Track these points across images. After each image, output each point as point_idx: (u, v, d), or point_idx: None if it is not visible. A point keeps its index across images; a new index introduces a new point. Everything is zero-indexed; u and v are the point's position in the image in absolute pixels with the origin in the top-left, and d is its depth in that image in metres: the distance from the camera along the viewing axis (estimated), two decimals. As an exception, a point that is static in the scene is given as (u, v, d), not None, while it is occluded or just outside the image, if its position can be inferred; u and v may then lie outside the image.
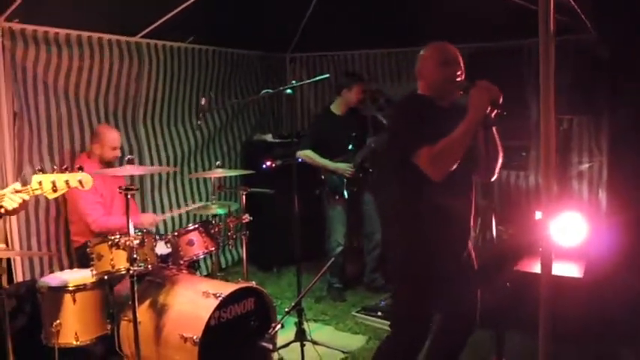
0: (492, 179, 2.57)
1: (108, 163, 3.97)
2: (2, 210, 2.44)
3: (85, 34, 4.12)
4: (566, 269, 3.84)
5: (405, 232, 2.63)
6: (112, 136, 4.00)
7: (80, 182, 2.56)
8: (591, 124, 4.72)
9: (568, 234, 4.10)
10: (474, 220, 2.71)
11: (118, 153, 4.02)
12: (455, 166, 2.40)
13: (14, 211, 2.48)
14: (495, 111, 2.37)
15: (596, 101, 4.25)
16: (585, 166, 4.77)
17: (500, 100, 2.36)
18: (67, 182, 2.53)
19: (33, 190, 2.49)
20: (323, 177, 4.72)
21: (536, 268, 3.58)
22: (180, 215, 5.13)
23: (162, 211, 4.96)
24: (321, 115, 4.99)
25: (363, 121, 4.85)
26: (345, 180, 4.63)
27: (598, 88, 4.18)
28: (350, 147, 4.66)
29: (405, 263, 2.63)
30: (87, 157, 3.98)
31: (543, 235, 2.34)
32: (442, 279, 2.53)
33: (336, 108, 4.78)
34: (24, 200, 2.46)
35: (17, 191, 2.45)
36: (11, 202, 2.41)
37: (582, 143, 4.80)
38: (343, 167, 4.61)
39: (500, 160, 2.60)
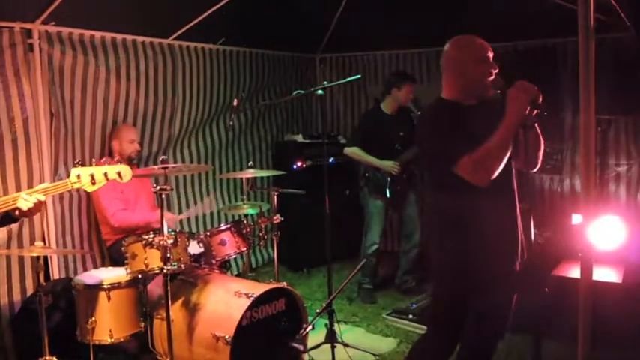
0: (535, 170, 2.49)
1: (129, 159, 4.02)
2: (17, 212, 2.41)
3: (119, 36, 4.18)
4: (605, 274, 3.74)
5: (446, 233, 2.58)
6: (128, 130, 4.09)
7: (119, 174, 2.56)
8: (629, 125, 4.61)
9: (606, 238, 3.99)
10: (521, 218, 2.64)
11: (136, 146, 4.08)
12: (501, 168, 2.35)
13: (30, 212, 2.42)
14: (536, 111, 2.31)
15: (635, 102, 4.14)
16: (623, 168, 4.65)
17: (540, 100, 2.31)
18: (105, 174, 2.54)
19: (72, 184, 2.50)
20: (367, 174, 4.70)
21: (574, 272, 3.53)
22: (212, 214, 5.19)
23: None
24: (371, 112, 4.94)
25: (412, 122, 4.82)
26: (389, 179, 4.60)
27: (637, 88, 4.07)
28: (397, 147, 4.63)
29: (444, 264, 2.60)
30: (111, 160, 4.03)
31: (582, 240, 2.28)
32: (481, 282, 2.48)
33: (386, 106, 4.73)
34: (39, 201, 2.42)
35: (45, 190, 2.43)
36: (26, 202, 2.38)
37: (619, 145, 4.69)
38: (390, 165, 4.57)
39: (542, 150, 2.52)
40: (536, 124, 2.42)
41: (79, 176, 2.51)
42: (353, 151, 4.69)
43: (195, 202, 5.09)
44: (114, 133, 4.11)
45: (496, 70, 2.49)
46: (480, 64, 2.47)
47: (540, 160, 2.54)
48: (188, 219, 4.95)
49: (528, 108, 2.31)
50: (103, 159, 4.09)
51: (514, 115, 2.31)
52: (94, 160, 2.67)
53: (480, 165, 2.33)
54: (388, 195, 4.62)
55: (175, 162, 4.86)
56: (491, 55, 2.50)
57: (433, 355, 2.69)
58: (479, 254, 2.45)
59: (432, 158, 2.56)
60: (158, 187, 2.95)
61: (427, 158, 2.66)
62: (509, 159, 2.45)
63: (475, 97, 2.53)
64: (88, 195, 4.08)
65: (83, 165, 2.57)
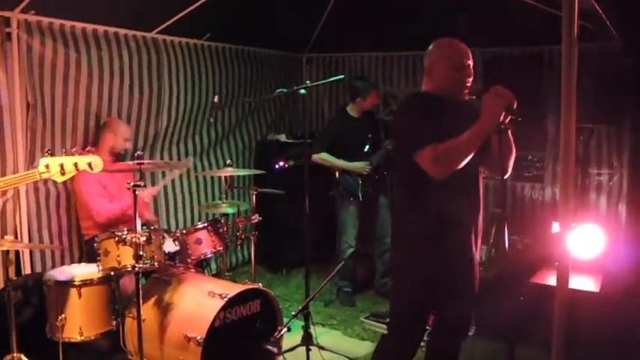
0: (506, 176, 2.48)
1: (118, 155, 3.96)
2: None
3: (100, 27, 4.10)
4: (583, 283, 3.74)
5: (407, 231, 2.57)
6: (124, 128, 4.05)
7: (89, 165, 2.51)
8: (612, 134, 4.62)
9: (585, 246, 3.99)
10: (483, 224, 2.62)
11: (129, 145, 4.05)
12: (460, 166, 2.34)
13: None
14: (510, 117, 2.30)
15: (618, 111, 4.14)
16: (604, 177, 4.67)
17: (515, 106, 2.29)
18: (75, 165, 2.48)
19: (40, 174, 2.44)
20: (337, 176, 4.66)
21: (552, 280, 3.51)
22: (192, 212, 5.13)
23: (175, 208, 4.96)
24: (337, 116, 4.92)
25: (378, 124, 4.79)
26: (360, 182, 4.57)
27: (621, 98, 4.07)
28: (366, 149, 4.60)
29: (405, 263, 2.59)
30: (95, 152, 3.95)
31: (560, 248, 2.26)
32: (440, 281, 2.48)
33: (353, 110, 4.72)
34: None
35: (14, 180, 2.38)
36: None
37: (601, 154, 4.70)
38: (360, 165, 4.53)
39: (513, 157, 2.52)
40: (509, 131, 2.40)
41: (47, 166, 2.45)
42: (320, 157, 4.62)
43: (183, 201, 5.04)
44: (109, 126, 4.00)
45: (471, 78, 2.49)
46: (454, 70, 2.47)
47: (511, 167, 2.53)
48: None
49: (503, 114, 2.29)
50: (87, 148, 4.02)
51: (488, 119, 2.30)
52: (74, 149, 2.60)
53: (441, 158, 2.32)
54: (360, 197, 4.58)
55: (162, 158, 4.78)
56: (469, 62, 2.50)
57: (394, 354, 2.68)
58: (436, 252, 2.45)
59: (401, 143, 2.58)
60: (132, 184, 2.88)
61: (399, 143, 2.68)
62: (478, 163, 2.43)
63: (451, 98, 2.51)
64: (67, 189, 4.01)
65: (52, 154, 2.50)
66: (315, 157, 4.63)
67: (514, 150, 2.50)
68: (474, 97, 2.45)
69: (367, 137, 4.60)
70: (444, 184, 2.35)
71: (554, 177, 4.90)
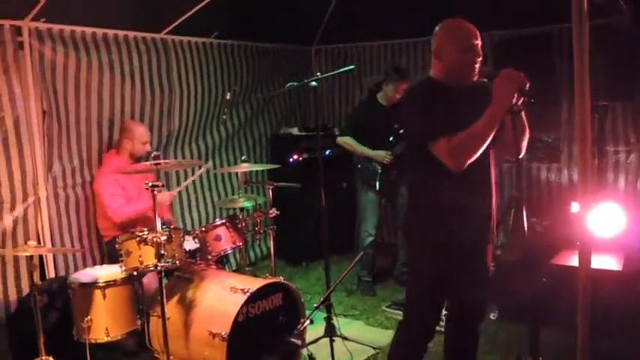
0: (519, 157, 2.45)
1: (138, 158, 4.00)
2: None
3: (110, 31, 4.13)
4: (605, 262, 3.71)
5: (420, 219, 2.56)
6: (141, 131, 4.05)
7: None
8: (627, 110, 4.56)
9: (606, 225, 3.96)
10: (497, 206, 2.59)
11: (148, 147, 4.06)
12: (478, 154, 2.32)
13: None
14: (523, 99, 2.27)
15: (632, 86, 4.09)
16: (622, 154, 4.61)
17: (527, 87, 2.26)
18: None
19: None
20: (359, 165, 4.66)
21: (573, 261, 3.49)
22: (207, 210, 5.16)
23: (189, 207, 5.00)
24: (366, 102, 4.89)
25: None
26: (380, 171, 4.56)
27: (634, 73, 4.01)
28: (391, 139, 4.56)
29: (417, 250, 2.58)
30: (116, 154, 4.02)
31: (581, 227, 2.25)
32: (452, 268, 2.47)
33: (382, 97, 4.68)
34: None
35: None
36: None
37: (617, 131, 4.64)
38: (382, 155, 4.51)
39: (526, 138, 2.48)
40: (522, 112, 2.37)
41: None
42: (345, 141, 4.65)
43: (197, 199, 5.09)
44: (126, 132, 4.02)
45: (480, 59, 2.43)
46: (463, 52, 2.41)
47: (524, 148, 2.50)
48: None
49: (515, 96, 2.26)
50: (108, 153, 4.07)
51: (500, 103, 2.27)
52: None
53: (458, 149, 2.30)
54: (377, 187, 4.57)
55: (176, 157, 4.82)
56: (477, 42, 2.44)
57: (410, 341, 2.67)
58: (452, 237, 2.43)
59: (413, 133, 2.55)
60: (150, 184, 2.91)
61: (409, 133, 2.64)
62: (490, 145, 2.41)
63: (458, 82, 2.47)
64: (85, 194, 4.07)
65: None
66: (340, 139, 4.67)
67: (527, 131, 2.47)
68: (485, 79, 2.41)
69: (394, 127, 4.57)
70: (455, 171, 2.34)
71: (570, 157, 4.85)
